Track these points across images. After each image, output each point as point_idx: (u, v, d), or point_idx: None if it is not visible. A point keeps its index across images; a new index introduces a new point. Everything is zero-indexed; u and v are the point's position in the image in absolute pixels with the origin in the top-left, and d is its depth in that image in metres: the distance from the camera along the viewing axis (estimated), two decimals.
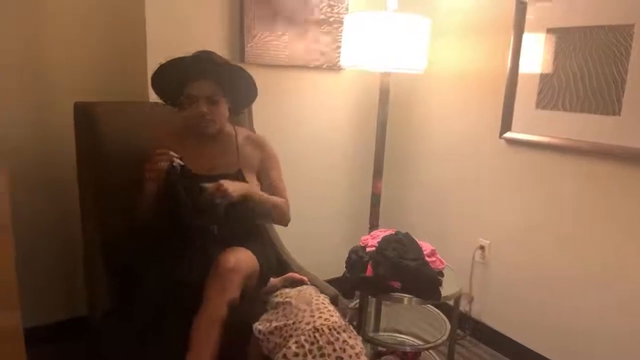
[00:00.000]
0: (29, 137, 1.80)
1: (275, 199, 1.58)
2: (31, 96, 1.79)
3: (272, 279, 1.60)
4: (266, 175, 1.63)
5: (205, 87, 1.48)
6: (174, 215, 1.41)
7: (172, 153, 1.38)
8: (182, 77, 1.49)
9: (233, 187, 1.40)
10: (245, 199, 1.45)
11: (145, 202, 1.44)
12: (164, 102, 1.61)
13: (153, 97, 1.83)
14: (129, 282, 1.39)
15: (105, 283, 1.46)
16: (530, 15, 1.87)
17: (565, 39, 1.77)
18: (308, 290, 1.45)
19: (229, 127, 1.63)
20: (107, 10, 1.85)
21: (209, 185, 1.37)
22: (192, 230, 1.41)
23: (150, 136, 1.57)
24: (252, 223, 1.59)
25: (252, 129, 1.90)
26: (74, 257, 1.82)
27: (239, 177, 1.54)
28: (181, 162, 1.40)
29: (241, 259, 1.36)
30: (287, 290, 1.47)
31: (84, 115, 1.61)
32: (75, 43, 1.82)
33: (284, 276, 1.63)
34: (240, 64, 1.61)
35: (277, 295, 1.44)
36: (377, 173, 2.15)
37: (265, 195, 1.55)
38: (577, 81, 1.75)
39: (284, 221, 1.64)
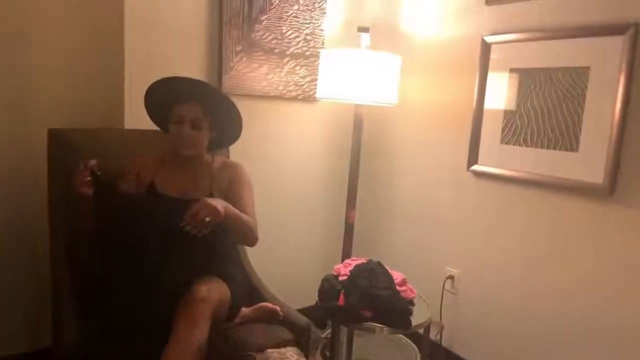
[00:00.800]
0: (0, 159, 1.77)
1: (245, 216, 1.54)
2: (5, 118, 1.76)
3: (243, 309, 1.59)
4: (233, 193, 1.59)
5: (193, 110, 1.52)
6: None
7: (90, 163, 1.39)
8: (173, 98, 1.53)
9: (222, 205, 1.37)
10: (228, 221, 1.42)
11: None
12: (155, 124, 1.64)
13: (129, 123, 1.86)
14: (96, 309, 1.37)
15: (71, 312, 1.43)
16: (494, 55, 1.98)
17: (527, 79, 1.88)
18: None
19: (206, 156, 1.65)
20: (86, 37, 1.86)
21: (195, 203, 1.33)
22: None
23: (124, 161, 1.59)
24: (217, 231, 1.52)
25: (227, 156, 1.92)
26: (39, 286, 1.77)
27: None
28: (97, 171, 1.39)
29: (212, 289, 1.36)
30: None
31: (58, 142, 1.61)
32: (51, 69, 1.81)
33: (256, 306, 1.63)
34: None
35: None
36: (351, 202, 2.19)
37: (243, 215, 1.51)
38: (538, 118, 1.85)
39: (253, 240, 1.58)
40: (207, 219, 1.33)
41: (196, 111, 1.52)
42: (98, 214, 1.47)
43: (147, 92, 1.58)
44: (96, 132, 1.74)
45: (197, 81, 1.55)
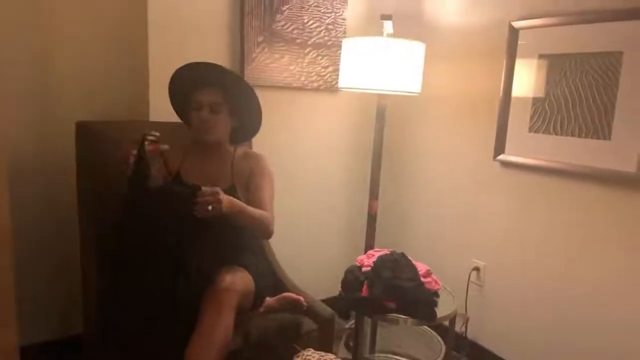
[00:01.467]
0: (29, 150, 1.81)
1: (259, 213, 1.54)
2: (35, 110, 1.80)
3: (267, 299, 1.60)
4: (253, 184, 1.60)
5: (212, 95, 1.54)
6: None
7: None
8: (192, 84, 1.55)
9: (227, 200, 1.40)
10: (231, 215, 1.44)
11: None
12: (179, 117, 1.66)
13: (153, 116, 1.88)
14: (124, 298, 1.39)
15: (101, 299, 1.47)
16: (522, 41, 1.93)
17: (557, 65, 1.82)
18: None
19: (229, 146, 1.66)
20: (112, 33, 1.89)
21: (205, 189, 1.36)
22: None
23: None
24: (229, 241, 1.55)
25: (250, 147, 1.93)
26: (70, 276, 1.82)
27: (232, 192, 1.56)
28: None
29: (236, 279, 1.37)
30: (309, 353, 1.44)
31: (85, 134, 1.65)
32: (80, 61, 1.85)
33: (279, 296, 1.64)
34: None
35: (298, 356, 1.42)
36: (373, 193, 2.17)
37: (250, 210, 1.51)
38: (568, 106, 1.79)
39: (267, 234, 1.60)
40: (209, 207, 1.34)
41: (215, 96, 1.54)
42: (128, 197, 1.48)
43: (170, 81, 1.60)
44: (122, 124, 1.77)
45: (216, 66, 1.57)
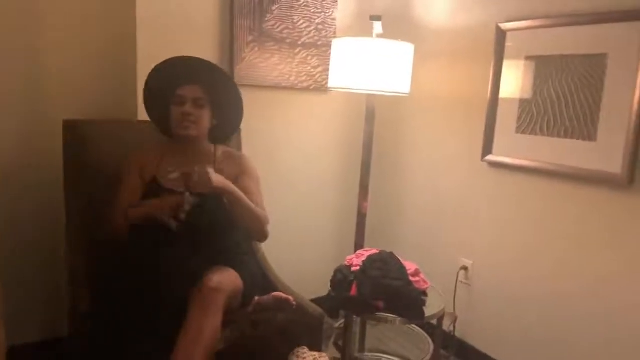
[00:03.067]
0: (16, 149, 1.79)
1: (258, 209, 1.54)
2: (22, 109, 1.78)
3: (256, 298, 1.60)
4: (244, 189, 1.55)
5: (195, 90, 1.52)
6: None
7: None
8: (175, 79, 1.53)
9: (216, 177, 1.41)
10: (224, 193, 1.45)
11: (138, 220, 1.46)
12: (151, 117, 1.63)
13: (142, 115, 1.87)
14: (111, 296, 1.38)
15: (87, 298, 1.45)
16: (509, 43, 1.95)
17: (544, 67, 1.84)
18: None
19: (208, 144, 1.64)
20: (100, 31, 1.87)
21: (196, 168, 1.38)
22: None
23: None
24: (221, 221, 1.53)
25: (239, 147, 1.92)
26: (56, 276, 1.80)
27: (215, 195, 1.55)
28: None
29: (224, 279, 1.36)
30: (304, 351, 1.44)
31: (73, 133, 1.63)
32: (68, 59, 1.83)
33: (269, 295, 1.64)
34: None
35: (294, 355, 1.42)
36: (363, 193, 2.18)
37: (246, 199, 1.50)
38: (555, 107, 1.82)
39: (262, 234, 1.60)
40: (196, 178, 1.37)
41: (199, 91, 1.52)
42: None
43: (148, 78, 1.57)
44: (110, 123, 1.76)
45: (202, 61, 1.54)
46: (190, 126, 1.52)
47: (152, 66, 1.59)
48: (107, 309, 1.36)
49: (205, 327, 1.27)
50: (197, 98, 1.52)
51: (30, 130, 1.80)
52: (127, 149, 1.64)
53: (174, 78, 1.53)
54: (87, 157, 1.61)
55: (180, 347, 1.25)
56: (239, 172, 1.62)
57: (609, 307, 1.71)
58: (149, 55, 1.84)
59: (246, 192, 1.54)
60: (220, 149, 1.66)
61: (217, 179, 1.40)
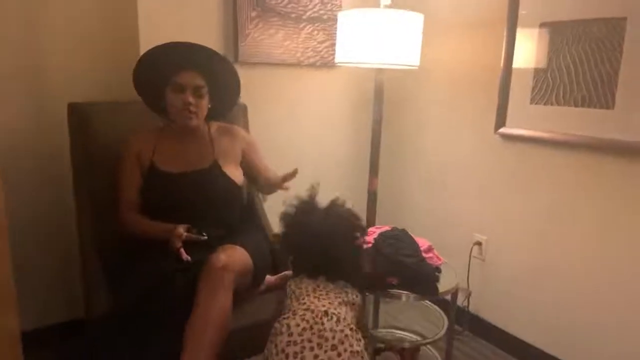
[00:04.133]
0: (23, 136, 1.79)
1: (273, 176, 1.61)
2: (27, 95, 1.77)
3: (268, 277, 1.59)
4: (256, 160, 1.66)
5: (195, 78, 1.49)
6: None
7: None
8: (173, 66, 1.48)
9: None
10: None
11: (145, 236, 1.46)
12: (142, 96, 1.59)
13: None
14: (123, 282, 1.39)
15: (101, 283, 1.46)
16: (523, 10, 1.87)
17: (558, 34, 1.77)
18: None
19: (202, 124, 1.62)
20: (101, 11, 1.84)
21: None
22: None
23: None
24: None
25: (246, 127, 1.90)
26: (71, 258, 1.81)
27: (214, 169, 1.53)
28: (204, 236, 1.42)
29: (233, 257, 1.35)
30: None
31: (78, 116, 1.62)
32: (70, 41, 1.81)
33: (280, 274, 1.63)
34: (234, 63, 1.61)
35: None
36: (373, 170, 2.15)
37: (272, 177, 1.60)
38: (570, 75, 1.75)
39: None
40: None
41: (198, 79, 1.49)
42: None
43: (143, 59, 1.52)
44: (114, 105, 1.74)
45: (201, 47, 1.50)
46: (192, 117, 1.50)
47: (155, 44, 1.55)
48: (119, 289, 1.36)
49: (213, 307, 1.25)
50: (197, 86, 1.48)
51: (37, 117, 1.79)
52: (131, 128, 1.62)
53: (173, 64, 1.49)
54: (93, 138, 1.60)
55: (190, 328, 1.24)
56: (243, 145, 1.66)
57: (625, 283, 1.68)
58: (151, 34, 1.81)
59: (258, 162, 1.66)
60: (214, 126, 1.65)
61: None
